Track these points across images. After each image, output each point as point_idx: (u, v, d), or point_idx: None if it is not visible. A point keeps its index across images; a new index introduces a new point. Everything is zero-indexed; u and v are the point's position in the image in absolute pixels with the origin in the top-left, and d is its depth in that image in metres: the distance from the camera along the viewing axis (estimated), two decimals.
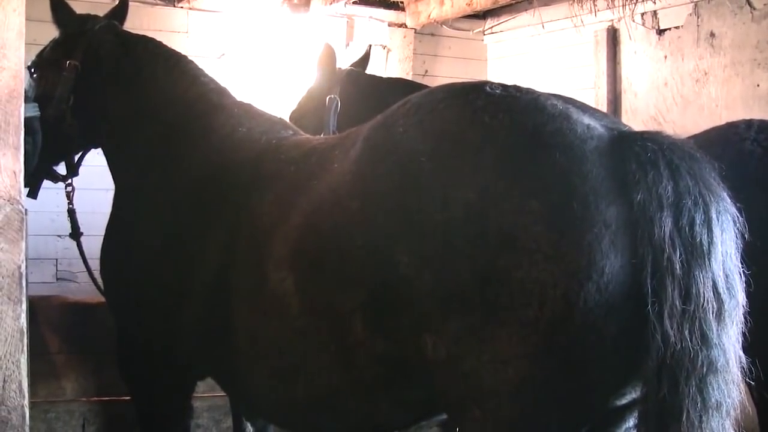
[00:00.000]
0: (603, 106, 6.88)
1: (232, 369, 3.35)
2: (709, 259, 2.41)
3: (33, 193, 4.47)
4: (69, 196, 4.52)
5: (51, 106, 4.26)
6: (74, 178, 4.59)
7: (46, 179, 4.56)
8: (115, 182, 4.27)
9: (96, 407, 5.45)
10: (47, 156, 4.30)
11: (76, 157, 4.59)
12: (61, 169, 4.63)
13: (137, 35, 4.52)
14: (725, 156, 3.41)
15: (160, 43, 4.46)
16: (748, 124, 4.12)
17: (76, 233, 4.56)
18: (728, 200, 2.54)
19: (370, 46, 6.28)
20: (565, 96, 2.76)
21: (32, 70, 4.38)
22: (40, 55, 4.48)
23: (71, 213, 4.53)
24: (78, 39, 4.35)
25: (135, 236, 3.82)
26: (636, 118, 6.78)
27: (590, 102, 6.72)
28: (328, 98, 5.33)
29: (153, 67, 4.22)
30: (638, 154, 2.48)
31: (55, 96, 4.27)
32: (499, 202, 2.46)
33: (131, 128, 4.13)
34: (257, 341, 3.16)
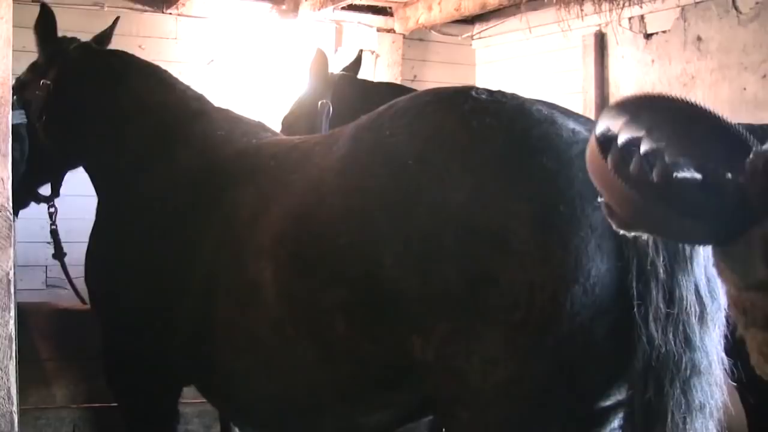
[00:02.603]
0: (591, 110, 6.91)
1: (214, 365, 3.36)
2: (692, 264, 2.43)
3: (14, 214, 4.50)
4: (52, 217, 4.56)
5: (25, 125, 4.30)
6: (60, 185, 4.62)
7: (31, 201, 4.60)
8: (97, 193, 4.28)
9: (86, 414, 5.45)
10: (28, 176, 4.33)
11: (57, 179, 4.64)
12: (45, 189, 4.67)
13: (110, 50, 4.58)
14: None
15: (132, 55, 4.53)
16: None
17: (59, 253, 4.61)
18: None
19: (362, 50, 6.29)
20: (549, 102, 2.78)
21: (14, 90, 4.40)
22: (18, 79, 4.53)
23: (54, 234, 4.58)
24: (53, 59, 4.42)
25: (119, 242, 3.84)
26: None
27: (579, 106, 6.77)
28: (320, 103, 5.34)
29: (128, 78, 4.26)
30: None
31: (28, 115, 4.32)
32: (487, 204, 2.48)
33: (109, 140, 4.15)
34: (235, 331, 3.17)
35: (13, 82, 4.30)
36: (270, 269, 2.97)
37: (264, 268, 3.00)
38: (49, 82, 4.34)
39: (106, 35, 4.80)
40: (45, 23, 4.49)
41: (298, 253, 2.88)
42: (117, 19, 4.91)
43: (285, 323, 2.94)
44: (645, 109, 1.34)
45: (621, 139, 1.31)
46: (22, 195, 4.43)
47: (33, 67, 4.54)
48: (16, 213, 4.48)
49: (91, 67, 4.39)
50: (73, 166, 4.54)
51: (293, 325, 2.92)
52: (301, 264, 2.87)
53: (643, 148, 1.28)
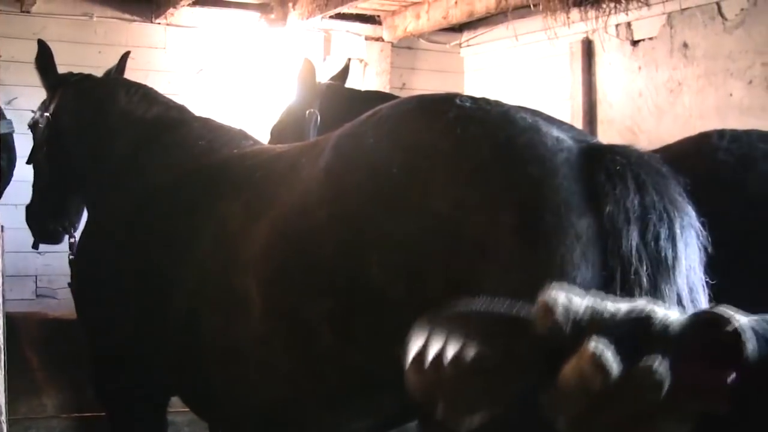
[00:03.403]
0: (579, 117, 6.94)
1: (200, 378, 3.36)
2: (674, 273, 2.44)
3: (36, 245, 4.87)
4: (72, 248, 4.64)
5: (31, 158, 4.61)
6: (79, 215, 4.76)
7: (59, 236, 4.79)
8: (87, 209, 4.37)
9: (77, 423, 5.45)
10: (43, 208, 4.64)
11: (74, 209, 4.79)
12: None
13: (99, 77, 4.70)
14: (698, 166, 3.45)
15: (121, 77, 4.71)
16: (721, 133, 4.15)
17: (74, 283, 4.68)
18: (692, 215, 2.56)
19: (350, 59, 6.31)
20: (533, 108, 2.78)
21: (30, 129, 4.72)
22: (33, 117, 4.75)
23: (72, 264, 4.65)
24: (54, 93, 4.61)
25: (101, 254, 3.86)
26: (611, 128, 6.84)
27: (566, 113, 6.81)
28: (307, 112, 5.35)
29: (112, 97, 4.36)
30: (607, 167, 2.50)
31: (37, 150, 4.58)
32: (472, 212, 2.48)
33: (93, 157, 4.22)
34: (221, 347, 3.17)
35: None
36: (255, 284, 2.98)
37: (249, 283, 3.00)
38: (48, 115, 4.52)
39: (116, 69, 4.90)
40: (43, 59, 4.67)
41: (284, 266, 2.88)
42: (127, 53, 5.00)
43: (272, 338, 2.94)
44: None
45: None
46: (47, 231, 4.76)
47: (41, 105, 4.72)
48: (35, 246, 4.86)
49: (80, 93, 4.51)
50: (77, 193, 4.62)
51: (280, 340, 2.92)
52: (287, 277, 2.86)
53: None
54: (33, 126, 4.68)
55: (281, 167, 3.18)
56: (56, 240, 4.83)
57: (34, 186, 4.77)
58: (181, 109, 4.24)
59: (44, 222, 4.72)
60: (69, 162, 4.42)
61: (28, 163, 4.70)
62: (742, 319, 1.17)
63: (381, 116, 2.84)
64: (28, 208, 4.79)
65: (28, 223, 4.82)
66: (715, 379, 1.12)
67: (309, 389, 2.94)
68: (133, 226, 3.74)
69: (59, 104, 4.52)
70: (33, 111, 4.76)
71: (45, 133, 4.52)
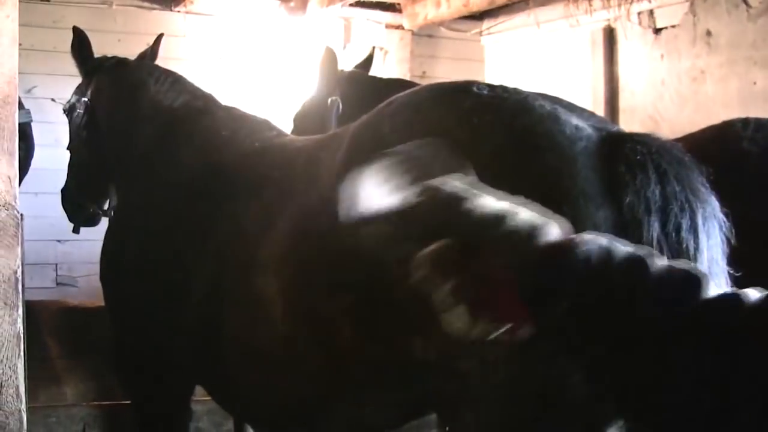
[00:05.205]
0: (600, 106, 6.89)
1: (223, 374, 3.36)
2: (696, 263, 2.40)
3: (76, 229, 4.89)
4: None
5: (70, 143, 4.64)
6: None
7: (97, 218, 4.82)
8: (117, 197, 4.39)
9: (96, 411, 5.46)
10: (81, 192, 4.69)
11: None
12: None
13: (132, 60, 4.68)
14: (722, 155, 3.41)
15: (153, 64, 4.70)
16: (745, 122, 4.11)
17: None
18: (715, 205, 2.52)
19: (374, 47, 6.28)
20: (552, 96, 2.74)
21: (66, 114, 4.73)
22: (68, 101, 4.76)
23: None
24: (90, 77, 4.61)
25: (126, 244, 3.85)
26: (633, 117, 6.78)
27: (587, 101, 6.75)
28: (329, 100, 5.33)
29: (144, 84, 4.35)
30: (627, 156, 2.46)
31: (75, 136, 4.61)
32: None
33: (125, 145, 4.21)
34: (244, 347, 3.16)
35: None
36: (276, 285, 2.96)
37: (270, 284, 2.98)
38: (87, 99, 4.53)
39: (150, 52, 4.90)
40: (80, 45, 4.67)
41: (304, 265, 2.85)
42: (161, 35, 5.00)
43: (293, 337, 2.93)
44: None
45: None
46: (85, 214, 4.80)
47: (77, 89, 4.72)
48: (76, 230, 4.88)
49: (114, 79, 4.51)
50: (113, 177, 4.62)
51: (301, 339, 2.91)
52: (307, 276, 2.84)
53: None
54: (69, 110, 4.70)
55: (300, 163, 3.15)
56: (94, 223, 4.85)
57: (70, 169, 4.76)
58: (207, 99, 4.21)
59: (83, 205, 4.75)
60: (105, 147, 4.43)
61: (68, 148, 4.72)
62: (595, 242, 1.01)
63: (397, 105, 2.80)
64: (63, 191, 4.81)
65: (63, 206, 4.84)
66: (513, 301, 1.02)
67: (331, 385, 2.93)
68: (155, 217, 3.73)
69: (96, 89, 4.52)
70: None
71: (84, 118, 4.53)
